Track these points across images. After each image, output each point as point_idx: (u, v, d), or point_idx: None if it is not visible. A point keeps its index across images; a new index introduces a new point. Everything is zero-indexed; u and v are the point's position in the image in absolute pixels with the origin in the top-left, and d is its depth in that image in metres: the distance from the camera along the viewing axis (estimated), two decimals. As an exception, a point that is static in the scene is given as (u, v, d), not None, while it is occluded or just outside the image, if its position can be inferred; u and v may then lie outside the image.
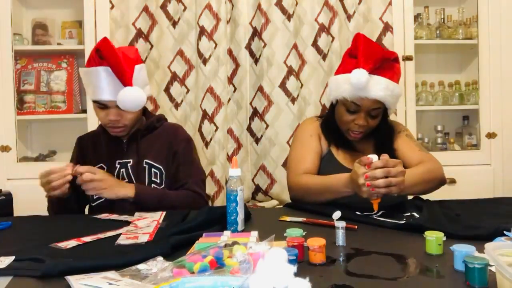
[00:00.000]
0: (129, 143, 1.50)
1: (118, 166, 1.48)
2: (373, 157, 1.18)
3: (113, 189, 1.36)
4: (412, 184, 1.28)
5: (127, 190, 1.38)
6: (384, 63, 1.43)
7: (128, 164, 1.48)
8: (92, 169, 1.35)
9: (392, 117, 2.27)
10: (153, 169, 1.48)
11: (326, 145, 1.54)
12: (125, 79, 1.36)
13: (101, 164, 1.49)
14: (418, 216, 1.19)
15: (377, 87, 1.39)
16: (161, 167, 1.48)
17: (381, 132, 1.51)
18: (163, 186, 1.48)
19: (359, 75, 1.36)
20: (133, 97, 1.37)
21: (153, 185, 1.47)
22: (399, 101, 2.28)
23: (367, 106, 1.42)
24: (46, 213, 1.47)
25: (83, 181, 1.31)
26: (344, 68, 1.47)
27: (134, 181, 1.46)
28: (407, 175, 1.23)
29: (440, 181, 1.40)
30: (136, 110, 1.42)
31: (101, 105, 1.41)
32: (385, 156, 1.18)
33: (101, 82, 1.37)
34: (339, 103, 1.48)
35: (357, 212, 1.24)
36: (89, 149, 1.55)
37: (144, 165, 1.47)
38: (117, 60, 1.35)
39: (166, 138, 1.53)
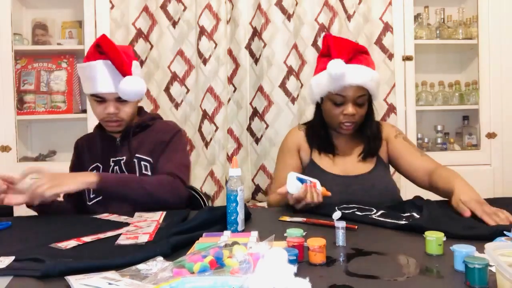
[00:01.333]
0: (122, 141, 1.51)
1: (112, 164, 1.49)
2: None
3: (66, 180, 1.27)
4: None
5: (86, 176, 1.31)
6: (357, 55, 1.46)
7: (121, 161, 1.49)
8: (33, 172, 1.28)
9: (392, 118, 2.30)
10: (142, 162, 1.48)
11: (308, 154, 1.56)
12: (125, 70, 1.39)
13: (97, 164, 1.50)
14: (418, 216, 1.18)
15: (357, 73, 1.43)
16: (150, 159, 1.48)
17: (366, 127, 1.53)
18: None
19: (336, 64, 1.39)
20: (134, 85, 1.38)
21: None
22: (399, 101, 2.33)
23: (352, 95, 1.45)
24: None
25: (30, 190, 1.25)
26: (320, 67, 1.50)
27: None
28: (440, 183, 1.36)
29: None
30: (135, 100, 1.45)
31: (99, 99, 1.42)
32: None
33: (100, 75, 1.38)
34: (325, 99, 1.50)
35: (357, 212, 1.24)
36: (85, 151, 1.56)
37: (134, 160, 1.48)
38: (117, 53, 1.38)
39: (157, 132, 1.53)
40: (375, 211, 1.25)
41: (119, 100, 1.42)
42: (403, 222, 1.11)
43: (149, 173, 1.47)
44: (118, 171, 1.48)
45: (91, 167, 1.50)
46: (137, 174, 1.46)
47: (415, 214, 1.20)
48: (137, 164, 1.48)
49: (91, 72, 1.40)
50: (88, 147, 1.56)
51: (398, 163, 1.52)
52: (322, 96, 1.51)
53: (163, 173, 1.43)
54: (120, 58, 1.38)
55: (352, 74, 1.42)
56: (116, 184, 1.34)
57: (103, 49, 1.39)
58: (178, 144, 1.53)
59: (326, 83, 1.45)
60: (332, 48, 1.44)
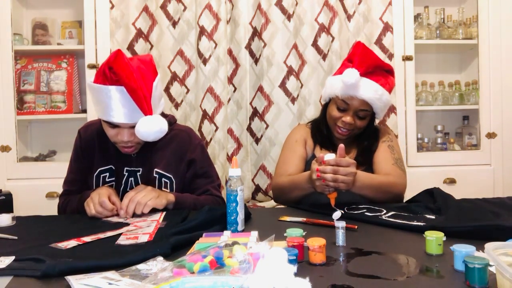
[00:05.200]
0: (138, 151, 1.43)
1: (127, 174, 1.43)
2: (330, 156, 1.26)
3: (161, 196, 1.32)
4: (364, 185, 1.35)
5: (170, 196, 1.35)
6: (378, 70, 1.51)
7: (138, 173, 1.42)
8: (135, 193, 1.28)
9: (392, 118, 2.30)
10: (163, 179, 1.44)
11: (312, 149, 1.62)
12: (144, 108, 1.25)
13: (111, 166, 1.43)
14: (430, 217, 1.18)
15: (367, 88, 1.48)
16: (171, 176, 1.44)
17: (364, 137, 1.58)
18: None
19: (350, 73, 1.46)
20: (155, 129, 1.25)
21: None
22: (399, 101, 2.33)
23: (355, 106, 1.50)
24: (46, 213, 1.46)
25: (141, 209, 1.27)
26: (340, 70, 1.55)
27: None
28: (365, 176, 1.37)
29: (395, 197, 1.44)
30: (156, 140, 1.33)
31: (112, 125, 1.32)
32: (341, 157, 1.26)
33: (115, 104, 1.25)
34: (331, 101, 1.58)
35: (367, 213, 1.24)
36: (95, 146, 1.46)
37: (155, 175, 1.43)
38: (135, 85, 1.22)
39: (178, 144, 1.48)
40: (384, 211, 1.26)
41: (134, 126, 1.29)
42: (415, 223, 1.11)
43: (168, 190, 1.43)
44: (134, 184, 1.41)
45: (103, 168, 1.43)
46: None
47: (427, 216, 1.19)
48: (157, 180, 1.42)
49: (103, 98, 1.26)
50: (99, 145, 1.46)
51: (372, 164, 1.54)
52: (330, 97, 1.57)
53: (206, 190, 1.48)
54: (138, 93, 1.23)
55: (362, 87, 1.48)
56: (188, 206, 1.37)
57: (118, 75, 1.23)
58: (208, 159, 1.56)
59: (337, 86, 1.51)
60: (356, 57, 1.50)
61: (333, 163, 1.24)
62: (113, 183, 1.43)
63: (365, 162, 1.54)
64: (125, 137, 1.32)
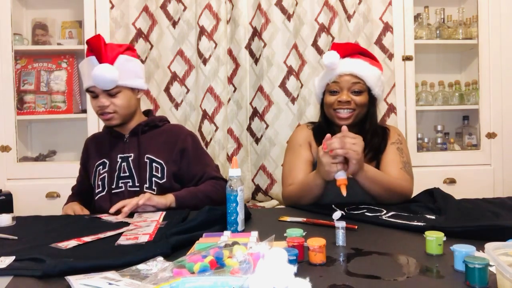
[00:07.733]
0: (130, 138, 1.55)
1: (120, 160, 1.52)
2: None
3: (159, 198, 1.39)
4: (373, 177, 1.33)
5: (169, 198, 1.41)
6: (357, 55, 1.54)
7: (129, 158, 1.52)
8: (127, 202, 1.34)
9: (392, 118, 2.30)
10: (154, 164, 1.51)
11: (317, 152, 1.55)
12: (101, 58, 1.42)
13: (104, 160, 1.54)
14: (430, 217, 1.18)
15: (352, 63, 1.50)
16: (162, 162, 1.51)
17: (370, 134, 1.52)
18: (164, 180, 1.50)
19: (329, 54, 1.48)
20: (102, 72, 1.39)
21: (154, 179, 1.50)
22: (399, 101, 2.33)
23: (347, 82, 1.49)
24: (46, 213, 1.46)
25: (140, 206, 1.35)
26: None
27: (135, 175, 1.50)
28: (375, 170, 1.36)
29: (400, 199, 1.40)
30: (109, 88, 1.43)
31: (93, 94, 1.47)
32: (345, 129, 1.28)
33: (87, 70, 1.44)
34: (325, 92, 1.56)
35: (367, 213, 1.24)
36: (92, 149, 1.61)
37: (145, 160, 1.51)
38: (98, 45, 1.42)
39: (169, 135, 1.58)
40: (385, 211, 1.25)
41: (110, 93, 1.45)
42: (415, 223, 1.11)
43: (159, 175, 1.50)
44: (126, 169, 1.51)
45: (97, 163, 1.55)
46: (147, 174, 1.49)
47: (427, 216, 1.19)
48: (148, 165, 1.51)
49: (82, 69, 1.50)
50: (95, 144, 1.61)
51: (380, 166, 1.49)
52: (323, 91, 1.56)
53: (208, 177, 1.53)
54: (98, 49, 1.42)
55: (346, 64, 1.50)
56: (189, 198, 1.43)
57: (91, 46, 1.45)
58: (201, 147, 1.63)
59: (324, 76, 1.53)
60: (332, 47, 1.53)
61: (340, 136, 1.25)
62: (105, 174, 1.52)
63: (373, 159, 1.50)
64: (100, 102, 1.46)
